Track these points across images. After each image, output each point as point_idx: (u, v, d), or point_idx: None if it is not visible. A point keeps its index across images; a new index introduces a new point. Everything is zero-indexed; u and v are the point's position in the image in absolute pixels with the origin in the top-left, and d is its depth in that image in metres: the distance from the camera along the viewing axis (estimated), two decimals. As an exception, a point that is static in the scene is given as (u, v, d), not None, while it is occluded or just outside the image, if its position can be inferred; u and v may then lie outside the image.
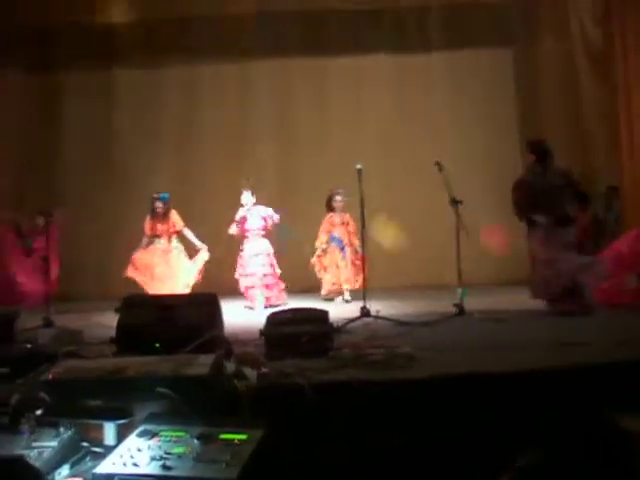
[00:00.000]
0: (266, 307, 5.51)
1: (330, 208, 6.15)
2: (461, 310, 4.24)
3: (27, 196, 7.60)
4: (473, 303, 4.42)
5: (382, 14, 7.58)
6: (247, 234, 5.93)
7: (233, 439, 1.95)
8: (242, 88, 7.79)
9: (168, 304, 3.02)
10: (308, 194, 7.15)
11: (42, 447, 2.04)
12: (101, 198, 7.22)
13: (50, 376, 2.34)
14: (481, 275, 6.36)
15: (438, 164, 4.51)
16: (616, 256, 4.63)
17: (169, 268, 6.00)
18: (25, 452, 1.98)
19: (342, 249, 5.97)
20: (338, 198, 6.07)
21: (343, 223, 6.04)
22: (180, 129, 7.73)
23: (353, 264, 5.86)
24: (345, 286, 5.93)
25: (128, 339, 2.94)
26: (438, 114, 7.44)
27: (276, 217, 5.94)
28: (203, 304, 3.04)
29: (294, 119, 7.67)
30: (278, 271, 5.91)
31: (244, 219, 5.91)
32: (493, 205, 6.61)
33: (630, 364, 2.68)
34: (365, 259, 4.48)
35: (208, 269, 6.18)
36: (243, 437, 1.97)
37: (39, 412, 2.02)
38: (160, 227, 6.13)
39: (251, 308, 5.67)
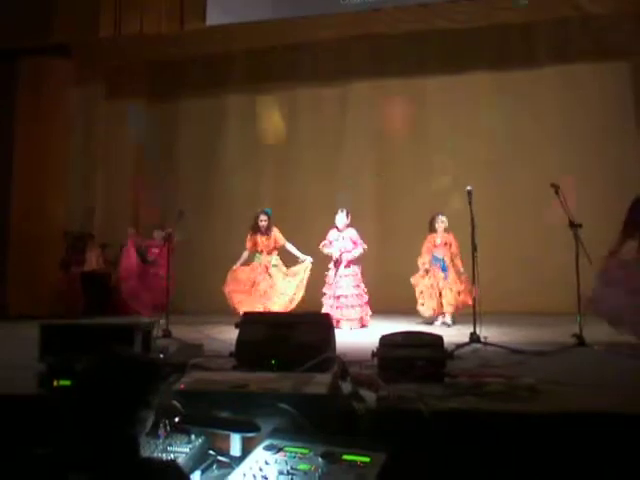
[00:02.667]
0: (352, 329, 5.58)
1: (432, 229, 6.08)
2: (581, 340, 3.97)
3: (140, 213, 8.32)
4: (594, 333, 4.13)
5: (484, 32, 7.44)
6: (335, 255, 5.93)
7: (356, 461, 1.97)
8: (341, 110, 7.98)
9: (285, 322, 3.12)
10: (408, 216, 7.12)
11: (176, 452, 2.18)
12: (208, 210, 7.69)
13: (181, 386, 2.50)
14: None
15: (554, 185, 4.30)
16: None
17: (272, 284, 6.10)
18: (163, 455, 2.13)
19: (444, 270, 5.86)
20: (441, 219, 6.00)
21: (445, 244, 5.94)
22: (280, 152, 8.06)
23: (456, 286, 5.74)
24: (447, 309, 5.80)
25: (246, 354, 3.07)
26: (548, 132, 7.13)
27: (360, 249, 5.91)
28: (317, 323, 3.11)
29: (393, 140, 7.71)
30: (365, 296, 5.88)
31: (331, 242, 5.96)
32: (614, 229, 6.17)
33: None
34: (474, 282, 4.34)
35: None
36: (366, 460, 1.97)
37: (177, 419, 2.17)
38: (261, 242, 6.22)
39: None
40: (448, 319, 5.80)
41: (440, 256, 5.93)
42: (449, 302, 5.77)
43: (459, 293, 5.70)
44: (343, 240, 5.98)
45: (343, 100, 8.04)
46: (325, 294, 5.92)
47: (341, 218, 6.02)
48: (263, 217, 6.22)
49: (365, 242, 6.05)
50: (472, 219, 4.29)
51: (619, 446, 2.37)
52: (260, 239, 6.21)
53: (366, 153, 7.80)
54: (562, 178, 4.96)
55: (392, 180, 7.62)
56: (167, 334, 4.67)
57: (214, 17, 7.81)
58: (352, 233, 6.02)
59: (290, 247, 6.29)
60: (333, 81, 7.95)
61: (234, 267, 6.24)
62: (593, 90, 7.16)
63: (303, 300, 6.07)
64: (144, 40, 7.41)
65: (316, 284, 6.09)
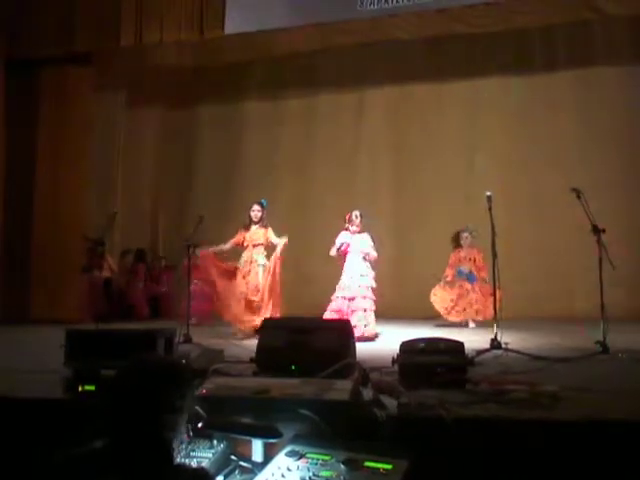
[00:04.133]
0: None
1: (457, 244, 6.10)
2: (605, 348, 3.92)
3: (160, 220, 8.42)
4: (618, 341, 4.07)
5: (502, 36, 7.40)
6: (349, 256, 5.68)
7: (378, 468, 1.97)
8: (358, 116, 8.00)
9: (305, 328, 3.13)
10: (426, 223, 7.10)
11: (199, 457, 2.20)
12: (226, 216, 7.72)
13: (204, 391, 2.52)
14: (625, 309, 5.85)
15: (576, 190, 4.26)
16: None
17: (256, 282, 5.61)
18: (186, 461, 2.16)
19: (472, 280, 5.93)
20: (465, 235, 6.04)
21: (470, 259, 5.96)
22: (298, 158, 8.09)
23: (483, 295, 5.74)
24: (477, 317, 5.87)
25: (266, 360, 3.08)
26: (568, 136, 7.07)
27: (372, 255, 5.67)
28: (337, 329, 3.12)
29: (411, 146, 7.69)
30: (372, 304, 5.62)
31: (347, 244, 5.65)
32: (633, 233, 6.10)
33: None
34: (495, 290, 4.31)
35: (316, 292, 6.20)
36: (388, 467, 1.97)
37: (199, 424, 2.19)
38: (249, 236, 5.77)
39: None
40: (472, 324, 5.88)
41: (466, 270, 5.99)
42: (478, 310, 5.84)
43: (486, 302, 5.70)
44: (356, 241, 5.71)
45: (360, 106, 8.07)
46: (337, 297, 5.61)
47: (356, 219, 5.82)
48: (256, 207, 5.83)
49: (381, 250, 5.94)
50: (492, 225, 4.26)
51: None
52: (248, 233, 5.80)
53: (384, 159, 7.81)
54: (584, 182, 4.90)
55: (410, 187, 7.61)
56: (188, 340, 4.71)
57: (233, 25, 7.90)
58: (366, 237, 5.80)
59: (271, 235, 5.76)
60: (351, 87, 7.98)
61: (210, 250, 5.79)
62: (613, 93, 7.08)
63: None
64: (164, 48, 7.53)
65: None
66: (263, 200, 5.96)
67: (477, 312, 5.82)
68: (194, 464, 2.12)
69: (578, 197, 4.21)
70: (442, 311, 6.11)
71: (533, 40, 7.47)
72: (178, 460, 2.12)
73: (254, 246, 5.76)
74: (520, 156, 7.16)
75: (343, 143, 7.99)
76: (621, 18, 6.95)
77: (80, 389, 2.51)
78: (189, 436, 2.25)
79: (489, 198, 4.32)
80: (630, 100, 7.05)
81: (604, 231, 4.13)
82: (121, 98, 8.46)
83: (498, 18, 7.20)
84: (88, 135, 7.65)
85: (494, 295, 4.35)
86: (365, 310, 5.49)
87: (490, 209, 4.27)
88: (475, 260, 5.97)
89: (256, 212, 5.82)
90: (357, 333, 5.35)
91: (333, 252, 5.70)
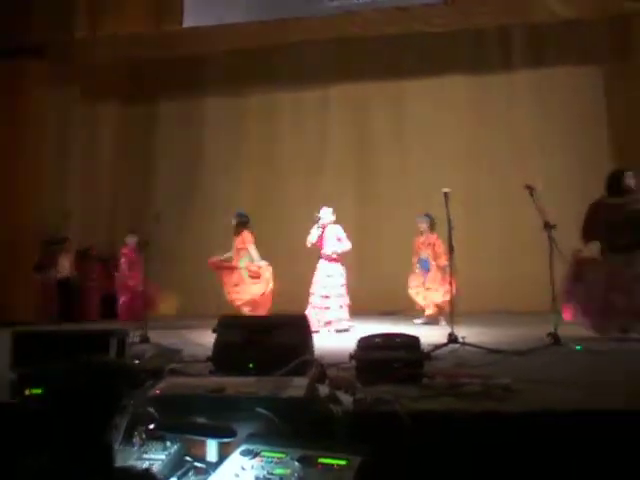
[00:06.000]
0: (338, 331, 5.55)
1: (418, 231, 6.19)
2: (556, 339, 4.04)
3: (119, 217, 8.21)
4: (569, 332, 4.20)
5: (460, 35, 7.53)
6: (322, 251, 5.86)
7: (333, 464, 1.97)
8: (321, 114, 7.99)
9: (262, 325, 3.11)
10: (389, 217, 7.16)
11: (152, 460, 2.16)
12: (189, 215, 7.62)
13: (157, 392, 2.47)
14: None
15: (529, 187, 4.37)
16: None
17: (237, 283, 6.18)
18: (138, 463, 2.11)
19: (426, 270, 5.94)
20: (418, 220, 6.10)
21: (429, 244, 5.99)
22: (262, 154, 8.04)
23: (441, 284, 5.82)
24: (429, 309, 5.93)
25: (224, 358, 3.05)
26: (523, 135, 7.25)
27: (346, 246, 5.85)
28: (295, 326, 3.11)
29: (373, 142, 7.75)
30: (346, 298, 5.83)
31: (321, 237, 5.82)
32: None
33: None
34: (452, 284, 4.38)
35: (286, 287, 6.29)
36: (342, 462, 1.98)
37: (151, 426, 2.14)
38: (233, 243, 6.33)
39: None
40: (422, 319, 5.97)
41: (424, 257, 6.01)
42: (433, 302, 5.86)
43: (444, 293, 5.77)
44: (327, 236, 5.86)
45: (324, 103, 8.06)
46: (312, 294, 5.83)
47: (326, 213, 5.94)
48: (233, 219, 6.37)
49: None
50: (449, 221, 4.33)
51: (592, 442, 2.41)
52: (237, 238, 6.33)
53: (347, 155, 7.83)
54: (538, 180, 5.04)
55: (373, 182, 7.66)
56: (145, 340, 4.62)
57: (191, 18, 7.77)
58: (338, 230, 5.96)
59: (252, 250, 6.28)
60: (313, 84, 7.97)
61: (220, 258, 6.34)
62: (567, 94, 7.29)
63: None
64: (120, 41, 7.34)
65: (302, 283, 6.05)
66: (239, 211, 6.44)
67: (433, 304, 5.89)
68: (146, 466, 2.08)
69: (531, 194, 4.33)
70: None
71: (491, 39, 7.62)
72: (128, 463, 2.08)
73: (237, 251, 6.34)
74: (480, 153, 7.31)
75: (306, 140, 7.97)
76: (574, 21, 7.16)
77: (27, 392, 2.42)
78: (142, 439, 2.21)
79: (446, 195, 4.39)
80: (583, 99, 7.28)
81: (555, 227, 4.26)
82: (76, 92, 8.21)
83: (456, 18, 7.32)
84: (41, 131, 7.40)
85: (450, 285, 4.43)
86: (341, 306, 5.68)
87: (447, 205, 4.34)
88: (435, 245, 5.99)
89: (232, 222, 6.39)
90: (332, 328, 5.51)
91: (311, 241, 5.85)
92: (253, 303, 6.13)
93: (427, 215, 6.07)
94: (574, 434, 2.43)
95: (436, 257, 5.95)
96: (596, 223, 4.45)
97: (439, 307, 5.87)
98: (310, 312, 5.70)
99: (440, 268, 5.88)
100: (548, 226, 4.25)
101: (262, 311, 6.06)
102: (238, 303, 6.19)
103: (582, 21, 7.18)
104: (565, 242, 4.40)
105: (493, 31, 7.56)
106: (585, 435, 2.42)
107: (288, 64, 7.97)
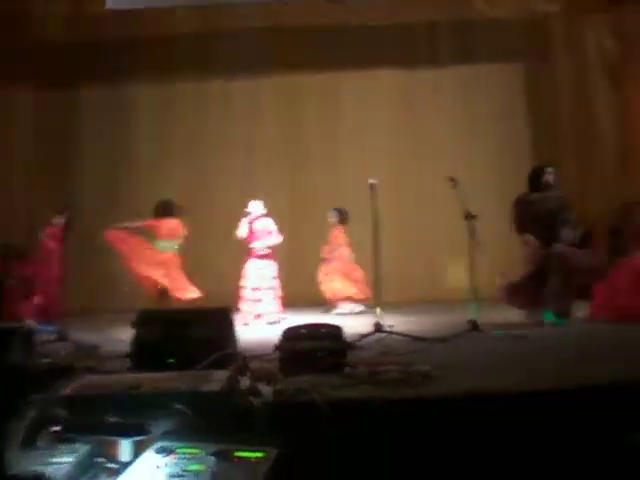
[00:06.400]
0: (270, 323, 5.55)
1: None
2: (475, 326, 4.20)
3: (37, 211, 7.74)
4: (487, 318, 4.39)
5: (391, 29, 7.65)
6: (252, 245, 5.82)
7: (249, 457, 1.95)
8: (252, 104, 7.89)
9: (183, 319, 3.03)
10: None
11: (59, 463, 2.05)
12: (112, 210, 7.30)
13: (68, 391, 2.35)
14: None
15: (452, 180, 4.51)
16: (635, 272, 4.57)
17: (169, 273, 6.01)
18: (43, 468, 1.99)
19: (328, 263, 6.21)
20: (328, 214, 6.33)
21: (332, 237, 6.27)
22: (191, 144, 7.84)
23: (346, 277, 6.08)
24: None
25: (143, 354, 2.95)
26: (449, 129, 7.48)
27: (276, 239, 5.87)
28: (217, 319, 3.05)
29: (304, 134, 7.75)
30: (277, 291, 5.85)
31: (251, 230, 5.80)
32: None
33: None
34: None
35: (216, 282, 6.20)
36: (259, 455, 1.96)
37: (57, 428, 2.03)
38: (166, 228, 6.09)
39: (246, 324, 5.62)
40: (341, 309, 6.16)
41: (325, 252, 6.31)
42: (335, 292, 6.15)
43: (349, 284, 6.04)
44: (258, 230, 5.86)
45: (255, 93, 7.95)
46: (243, 287, 5.79)
47: (256, 206, 5.89)
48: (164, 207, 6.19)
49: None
50: (375, 212, 4.39)
51: (508, 425, 2.52)
52: (166, 224, 6.10)
53: (277, 147, 7.78)
54: (460, 173, 5.19)
55: (305, 172, 7.66)
56: (63, 337, 4.41)
57: (115, 0, 7.44)
58: (268, 223, 5.93)
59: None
60: (245, 73, 7.84)
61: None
62: (491, 90, 7.58)
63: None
64: (37, 21, 6.90)
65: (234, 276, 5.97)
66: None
67: (340, 293, 6.15)
68: (52, 471, 1.97)
69: (454, 186, 4.46)
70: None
71: (420, 35, 7.78)
72: (32, 468, 1.96)
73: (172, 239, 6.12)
74: (408, 145, 7.47)
75: (237, 129, 7.84)
76: (498, 20, 7.45)
77: None
78: (48, 441, 2.10)
79: (372, 186, 4.45)
80: (505, 95, 7.60)
81: (476, 217, 4.41)
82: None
83: (386, 12, 7.44)
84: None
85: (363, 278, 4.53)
86: (273, 299, 5.72)
87: (373, 197, 4.39)
88: (336, 238, 6.27)
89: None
90: (264, 321, 5.50)
91: (242, 232, 5.83)
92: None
93: (336, 209, 6.32)
94: (490, 417, 2.53)
95: (336, 248, 6.18)
96: (523, 217, 4.65)
97: (349, 298, 6.07)
98: (242, 305, 5.67)
99: (341, 259, 6.09)
100: (469, 217, 4.40)
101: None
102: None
103: (506, 20, 7.49)
104: (486, 233, 4.58)
105: (421, 27, 7.73)
106: (501, 418, 2.53)
107: (219, 52, 7.79)
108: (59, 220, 6.17)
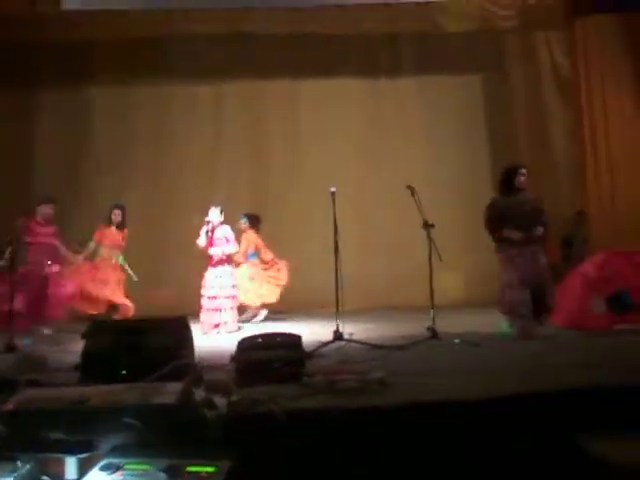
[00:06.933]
0: (228, 332, 5.44)
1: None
2: (434, 333, 4.24)
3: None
4: (446, 326, 4.43)
5: (353, 39, 7.71)
6: (210, 252, 5.71)
7: (200, 472, 1.89)
8: (214, 108, 7.80)
9: (135, 329, 2.93)
10: (281, 214, 7.19)
11: (-2, 483, 1.94)
12: (72, 215, 7.05)
13: (9, 406, 2.23)
14: (455, 296, 6.44)
15: (410, 188, 4.55)
16: (583, 280, 4.71)
17: (110, 281, 5.99)
18: (-21, 489, 1.89)
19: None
20: (240, 221, 6.42)
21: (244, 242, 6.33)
22: (153, 148, 7.67)
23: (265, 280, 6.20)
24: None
25: (93, 366, 2.84)
26: (410, 137, 7.60)
27: (232, 247, 5.81)
28: (172, 329, 2.97)
29: (266, 140, 7.70)
30: (235, 300, 5.78)
31: (211, 237, 5.70)
32: (465, 227, 6.73)
33: (598, 389, 2.70)
34: (338, 281, 4.41)
35: (180, 290, 6.08)
36: (210, 470, 1.91)
37: (-3, 446, 1.93)
38: (110, 235, 6.11)
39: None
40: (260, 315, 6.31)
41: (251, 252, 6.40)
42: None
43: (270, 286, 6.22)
44: (216, 237, 5.76)
45: (218, 98, 7.86)
46: (202, 296, 5.68)
47: (214, 214, 5.80)
48: (117, 211, 6.16)
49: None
50: (334, 219, 4.39)
51: (460, 430, 2.54)
52: (110, 232, 6.12)
53: (241, 153, 7.70)
54: (420, 181, 5.26)
55: (266, 179, 7.61)
56: (11, 348, 4.21)
57: (72, 1, 7.24)
58: (226, 230, 5.85)
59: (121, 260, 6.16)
60: (207, 78, 7.74)
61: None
62: (450, 99, 7.73)
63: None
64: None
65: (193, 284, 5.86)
66: (121, 202, 6.30)
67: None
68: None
69: (412, 194, 4.50)
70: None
71: (382, 45, 7.88)
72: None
73: (112, 247, 6.11)
74: (368, 153, 7.53)
75: (198, 136, 7.72)
76: (456, 34, 7.62)
77: None
78: (-14, 459, 1.98)
79: (333, 194, 4.45)
80: (464, 104, 7.77)
81: (433, 226, 4.46)
82: None
83: (348, 22, 7.50)
84: None
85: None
86: (231, 308, 5.62)
87: (334, 204, 4.39)
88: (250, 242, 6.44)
89: (117, 216, 6.16)
90: (222, 330, 5.41)
91: (202, 242, 5.73)
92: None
93: (245, 215, 6.47)
94: (444, 424, 2.54)
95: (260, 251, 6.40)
96: (498, 220, 4.49)
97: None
98: (201, 315, 5.57)
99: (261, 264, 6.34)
100: (427, 225, 4.45)
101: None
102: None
103: (464, 34, 7.67)
104: (443, 241, 4.63)
105: (383, 37, 7.83)
106: (453, 424, 2.55)
107: (180, 56, 7.67)
108: (47, 209, 5.74)
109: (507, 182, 4.61)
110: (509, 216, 4.47)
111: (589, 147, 7.60)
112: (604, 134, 7.56)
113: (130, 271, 6.11)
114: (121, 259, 6.12)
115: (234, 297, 5.71)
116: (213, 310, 5.53)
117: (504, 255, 4.48)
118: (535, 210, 4.57)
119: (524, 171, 4.62)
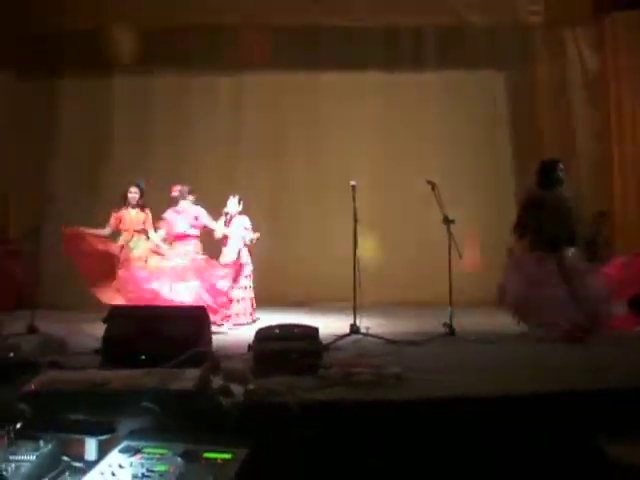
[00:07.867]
0: (245, 324, 5.41)
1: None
2: (451, 330, 4.22)
3: (12, 199, 7.56)
4: (463, 323, 4.41)
5: (376, 31, 7.65)
6: (228, 242, 5.67)
7: (217, 458, 1.91)
8: (234, 101, 7.81)
9: (156, 316, 2.97)
10: (301, 205, 7.20)
11: (20, 461, 1.99)
12: (91, 207, 7.12)
13: (32, 387, 2.29)
14: (472, 294, 6.36)
15: (431, 183, 4.51)
16: (605, 281, 4.63)
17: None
18: (2, 466, 1.93)
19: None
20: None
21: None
22: (172, 138, 7.71)
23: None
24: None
25: (113, 350, 2.89)
26: (431, 132, 7.52)
27: (249, 236, 5.67)
28: (191, 317, 3.00)
29: (286, 133, 7.69)
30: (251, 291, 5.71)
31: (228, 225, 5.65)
32: (486, 223, 6.67)
33: (615, 391, 2.67)
34: (356, 275, 4.39)
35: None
36: (227, 456, 1.93)
37: (18, 425, 1.97)
38: (128, 219, 5.51)
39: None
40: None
41: None
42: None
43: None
44: (234, 227, 5.72)
45: (238, 90, 7.88)
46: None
47: (232, 203, 5.81)
48: (133, 189, 5.57)
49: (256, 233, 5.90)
50: (355, 213, 4.38)
51: (476, 427, 2.53)
52: (127, 215, 5.53)
53: (261, 146, 7.70)
54: (442, 176, 5.21)
55: (287, 169, 7.62)
56: (32, 330, 4.30)
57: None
58: (244, 221, 5.82)
59: (153, 235, 5.51)
60: (228, 70, 7.76)
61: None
62: (473, 95, 7.64)
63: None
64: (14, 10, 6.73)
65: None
66: (140, 182, 5.70)
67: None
68: (12, 469, 1.91)
69: (433, 189, 4.47)
70: None
71: (404, 38, 7.80)
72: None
73: (135, 231, 5.51)
74: (389, 148, 7.47)
75: (219, 126, 7.75)
76: (480, 27, 7.51)
77: None
78: (9, 438, 2.03)
79: (353, 187, 4.44)
80: (487, 100, 7.67)
81: (453, 222, 4.42)
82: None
83: (372, 14, 7.43)
84: None
85: None
86: (243, 299, 5.54)
87: (354, 198, 4.38)
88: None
89: (133, 194, 5.57)
90: (237, 320, 5.38)
91: (218, 235, 5.60)
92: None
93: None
94: (458, 420, 2.54)
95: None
96: (530, 215, 4.36)
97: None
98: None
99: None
100: (447, 221, 4.42)
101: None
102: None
103: (489, 29, 7.56)
104: (463, 237, 4.59)
105: (406, 30, 7.75)
106: (469, 420, 2.54)
107: (202, 47, 7.69)
108: None
109: (546, 177, 4.46)
110: (543, 208, 4.34)
111: (615, 146, 7.44)
112: (631, 133, 7.40)
113: (164, 246, 5.46)
114: (140, 243, 5.46)
115: (246, 288, 5.68)
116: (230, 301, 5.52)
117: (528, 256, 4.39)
118: (568, 210, 4.43)
119: (562, 166, 4.52)
